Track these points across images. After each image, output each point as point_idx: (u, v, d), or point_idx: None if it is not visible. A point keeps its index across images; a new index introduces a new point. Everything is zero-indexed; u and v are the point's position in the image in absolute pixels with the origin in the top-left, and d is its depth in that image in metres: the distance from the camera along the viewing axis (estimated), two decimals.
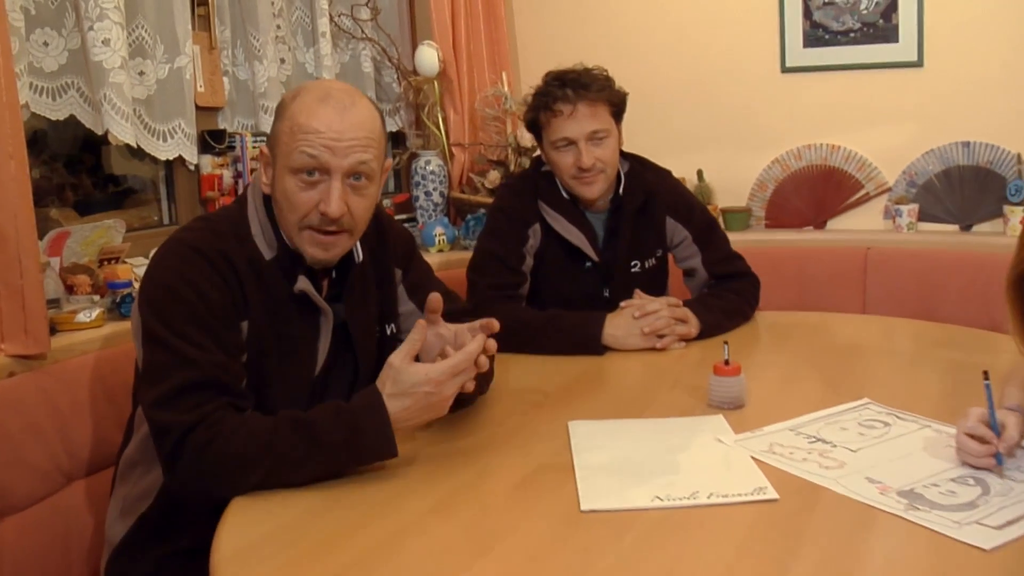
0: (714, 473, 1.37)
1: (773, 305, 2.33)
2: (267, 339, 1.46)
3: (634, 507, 1.26)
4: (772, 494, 1.28)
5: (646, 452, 1.46)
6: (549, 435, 1.53)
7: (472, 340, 1.37)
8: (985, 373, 1.36)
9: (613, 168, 2.13)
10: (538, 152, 2.27)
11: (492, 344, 1.39)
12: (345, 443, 1.32)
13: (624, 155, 2.22)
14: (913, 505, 1.23)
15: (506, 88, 3.24)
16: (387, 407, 1.32)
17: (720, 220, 2.91)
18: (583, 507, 1.25)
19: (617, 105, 2.13)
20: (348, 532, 1.20)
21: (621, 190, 2.18)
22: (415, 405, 1.33)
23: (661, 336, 1.99)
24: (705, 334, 2.05)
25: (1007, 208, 2.81)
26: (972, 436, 1.33)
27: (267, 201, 1.50)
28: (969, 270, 2.72)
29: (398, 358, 1.34)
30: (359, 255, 1.58)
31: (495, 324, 1.40)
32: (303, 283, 1.48)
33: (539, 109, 2.13)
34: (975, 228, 2.94)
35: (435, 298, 1.43)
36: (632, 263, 2.21)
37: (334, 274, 1.57)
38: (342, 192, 1.42)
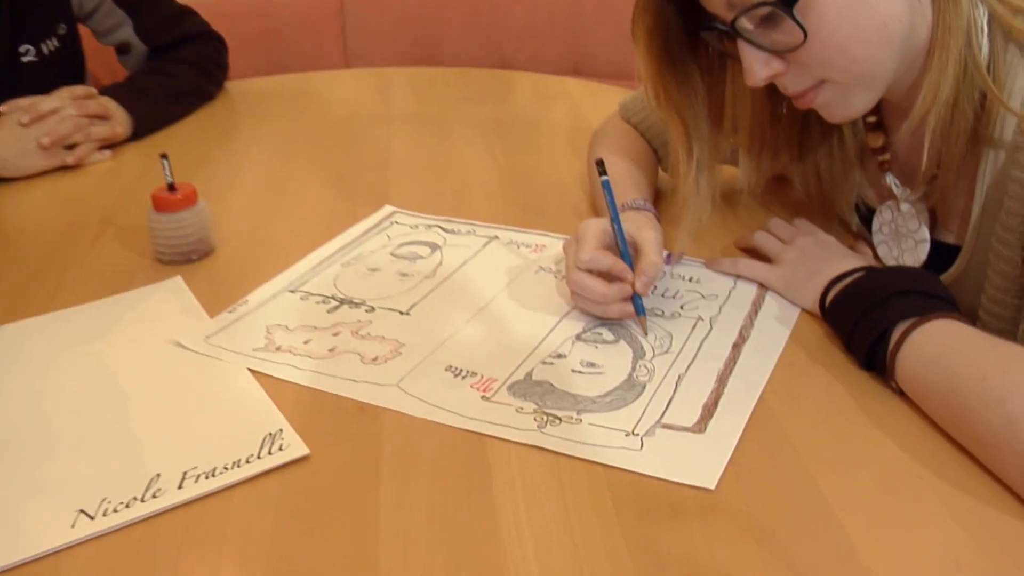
0: (187, 424, 0.73)
1: (234, 73, 1.75)
2: None
3: (41, 552, 0.60)
4: (297, 446, 0.69)
5: (45, 406, 0.76)
6: None
7: None
8: (600, 163, 0.87)
9: None
10: None
11: None
12: None
13: None
14: (547, 411, 0.72)
15: None
16: None
17: None
18: None
19: None
20: None
21: None
22: None
23: (72, 147, 1.41)
24: (143, 131, 1.50)
25: None
26: (592, 272, 0.83)
27: None
28: None
29: None
30: None
31: None
32: None
33: None
34: None
35: None
36: (22, 49, 1.55)
37: None
38: None
